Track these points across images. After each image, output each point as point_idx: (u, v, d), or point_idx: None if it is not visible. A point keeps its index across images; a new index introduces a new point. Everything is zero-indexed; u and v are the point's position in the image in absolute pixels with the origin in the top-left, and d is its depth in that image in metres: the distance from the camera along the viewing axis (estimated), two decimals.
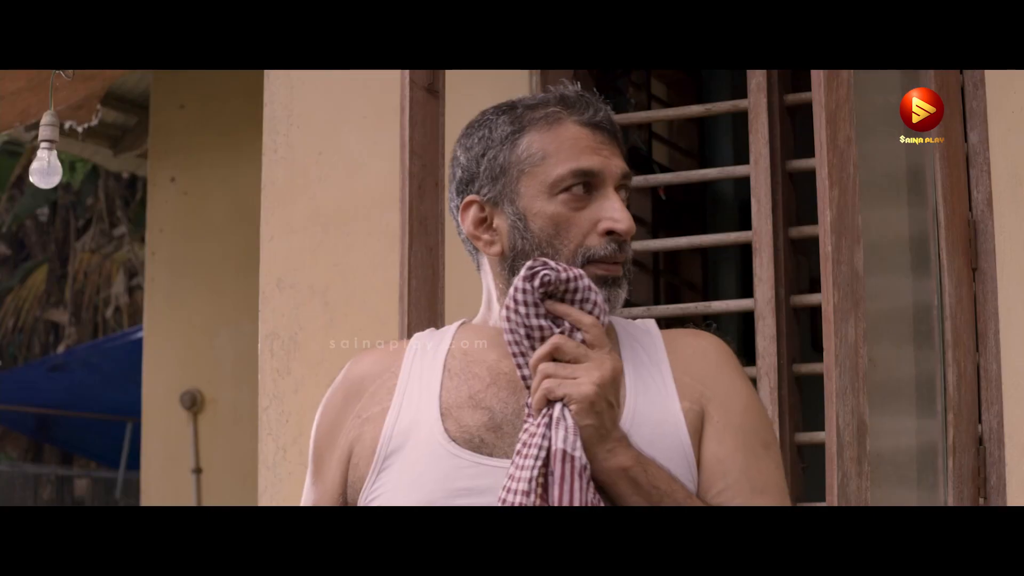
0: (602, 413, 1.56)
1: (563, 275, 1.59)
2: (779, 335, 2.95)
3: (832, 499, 2.39)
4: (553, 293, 1.60)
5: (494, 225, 1.69)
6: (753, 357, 2.96)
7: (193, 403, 5.66)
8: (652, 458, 1.59)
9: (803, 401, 3.04)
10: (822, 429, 2.45)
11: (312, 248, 3.39)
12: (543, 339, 1.59)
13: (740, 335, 4.24)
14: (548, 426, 1.55)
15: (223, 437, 5.61)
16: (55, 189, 6.30)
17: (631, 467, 1.57)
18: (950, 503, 2.67)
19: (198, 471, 5.69)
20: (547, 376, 1.56)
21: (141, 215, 8.95)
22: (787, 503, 1.67)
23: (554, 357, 1.58)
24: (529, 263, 1.60)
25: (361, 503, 1.66)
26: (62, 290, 12.02)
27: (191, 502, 5.67)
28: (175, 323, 5.77)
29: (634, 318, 1.80)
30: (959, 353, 2.73)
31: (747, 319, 3.16)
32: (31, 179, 3.27)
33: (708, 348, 1.72)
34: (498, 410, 1.63)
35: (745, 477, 1.63)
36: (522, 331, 1.59)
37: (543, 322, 1.59)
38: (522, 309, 1.59)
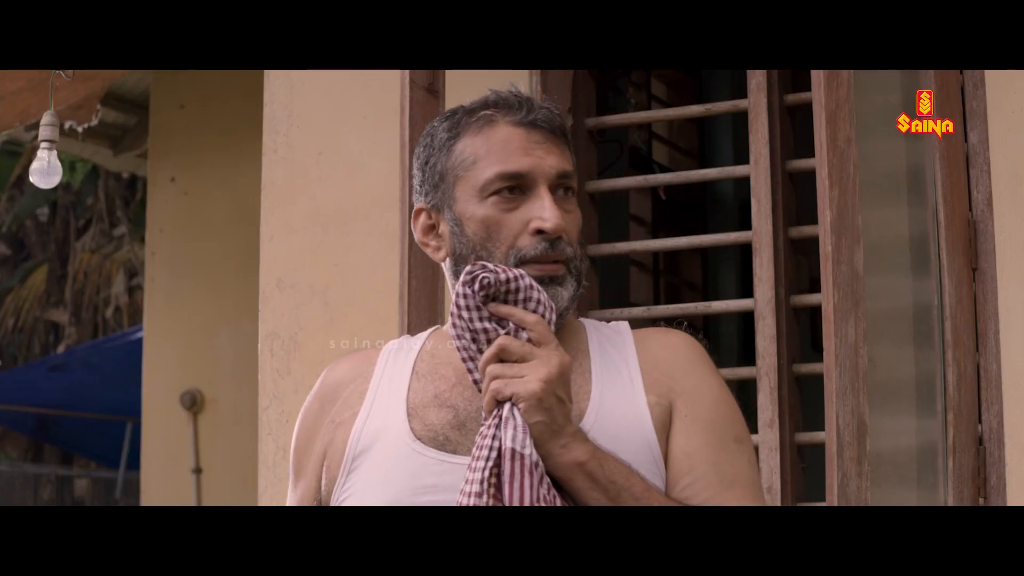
0: (551, 409, 1.56)
1: (502, 276, 1.60)
2: (779, 335, 2.94)
3: (832, 499, 2.39)
4: (495, 295, 1.60)
5: (439, 231, 1.73)
6: (753, 357, 2.96)
7: (193, 403, 5.66)
8: (612, 452, 1.59)
9: (803, 401, 3.04)
10: (822, 429, 2.45)
11: (312, 248, 3.39)
12: (489, 342, 1.60)
13: (740, 335, 4.24)
14: (498, 427, 1.56)
15: (223, 437, 5.61)
16: (55, 189, 6.31)
17: (586, 461, 1.57)
18: (950, 503, 2.67)
19: (198, 471, 5.69)
20: (495, 377, 1.57)
21: (141, 215, 8.95)
22: (759, 497, 1.67)
23: (501, 358, 1.59)
24: (468, 267, 1.62)
25: (332, 504, 1.69)
26: (62, 290, 12.02)
27: (191, 502, 5.67)
28: (175, 323, 5.77)
29: (631, 319, 1.81)
30: (959, 353, 2.73)
31: (747, 319, 3.16)
32: (31, 179, 3.27)
33: (677, 344, 1.73)
34: (462, 408, 1.65)
35: (714, 471, 1.63)
36: (468, 336, 1.61)
37: (487, 325, 1.60)
38: (465, 314, 1.61)
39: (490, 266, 1.61)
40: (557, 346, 1.60)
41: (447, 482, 1.60)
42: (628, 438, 1.63)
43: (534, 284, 1.62)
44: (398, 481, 1.63)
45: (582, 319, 1.79)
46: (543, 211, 1.66)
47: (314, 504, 1.73)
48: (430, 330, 1.81)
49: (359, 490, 1.66)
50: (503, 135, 1.69)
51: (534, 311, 1.61)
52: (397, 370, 1.73)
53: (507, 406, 1.56)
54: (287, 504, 1.79)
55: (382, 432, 1.67)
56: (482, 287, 1.59)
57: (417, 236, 1.76)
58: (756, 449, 2.46)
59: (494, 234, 1.67)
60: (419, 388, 1.69)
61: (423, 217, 1.75)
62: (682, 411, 1.66)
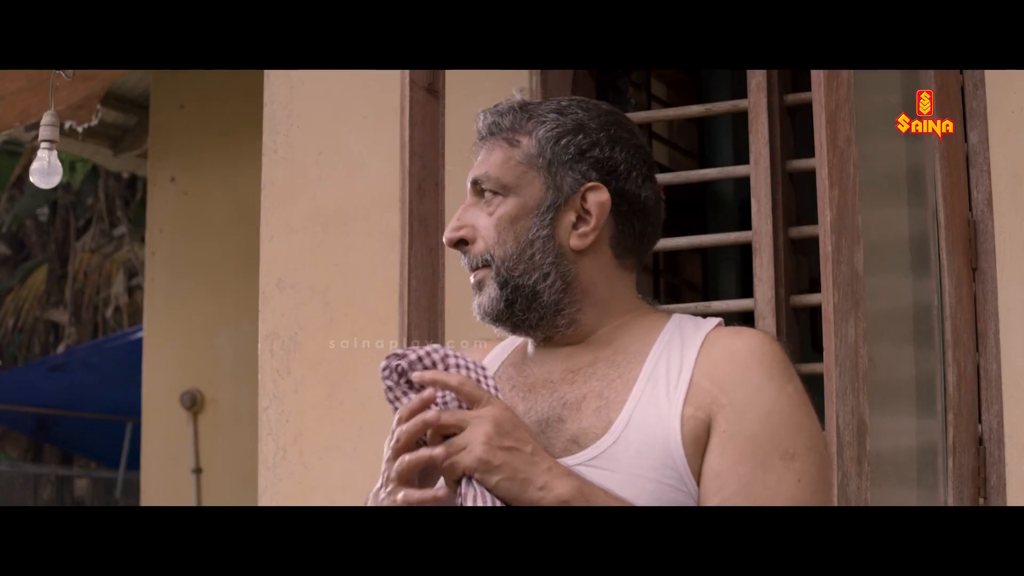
0: (504, 464, 1.52)
1: (412, 356, 1.59)
2: (779, 335, 2.95)
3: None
4: (415, 370, 1.59)
5: None
6: None
7: (193, 403, 5.66)
8: (603, 488, 1.54)
9: None
10: (822, 429, 2.45)
11: (312, 248, 3.39)
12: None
13: None
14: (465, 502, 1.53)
15: (223, 437, 5.61)
16: (55, 189, 6.31)
17: (570, 499, 1.52)
18: (950, 503, 2.67)
19: (198, 471, 5.69)
20: (442, 460, 1.53)
21: (141, 215, 8.95)
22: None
23: (444, 435, 1.55)
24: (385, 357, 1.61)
25: None
26: (62, 290, 12.02)
27: (191, 502, 5.67)
28: (175, 323, 5.77)
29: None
30: (959, 353, 2.73)
31: (747, 319, 3.16)
32: (31, 179, 3.27)
33: (740, 349, 1.63)
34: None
35: (744, 492, 1.54)
36: (406, 414, 1.57)
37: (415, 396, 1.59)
38: (397, 402, 1.60)
39: (401, 351, 1.59)
40: (489, 399, 1.56)
41: None
42: (650, 454, 1.57)
43: (449, 352, 1.60)
44: None
45: (675, 314, 1.72)
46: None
47: None
48: (517, 343, 1.79)
49: None
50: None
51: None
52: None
53: (464, 481, 1.53)
54: None
55: None
56: (396, 373, 1.59)
57: None
58: None
59: None
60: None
61: None
62: (721, 425, 1.57)
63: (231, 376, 5.58)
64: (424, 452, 1.54)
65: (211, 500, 5.64)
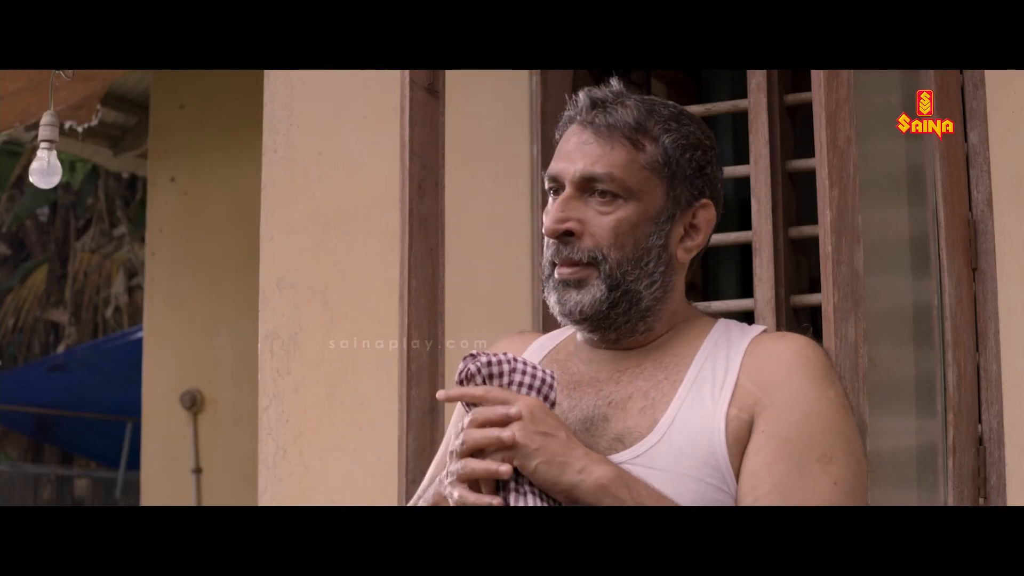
0: (541, 447, 1.53)
1: (482, 359, 1.59)
2: None
3: None
4: (484, 379, 1.59)
5: None
6: None
7: (193, 403, 5.66)
8: (644, 480, 1.55)
9: None
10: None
11: (312, 248, 3.39)
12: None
13: None
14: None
15: (223, 437, 5.61)
16: (55, 189, 6.31)
17: (609, 484, 1.53)
18: (950, 503, 2.67)
19: (198, 471, 5.69)
20: (506, 476, 1.54)
21: (141, 215, 8.95)
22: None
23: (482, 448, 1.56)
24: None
25: None
26: (62, 290, 12.02)
27: (191, 502, 5.67)
28: (175, 323, 5.77)
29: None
30: (959, 353, 2.73)
31: (747, 319, 3.16)
32: (31, 179, 3.27)
33: (784, 352, 1.64)
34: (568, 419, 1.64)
35: (778, 492, 1.55)
36: (480, 422, 1.57)
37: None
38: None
39: (475, 353, 1.60)
40: (517, 399, 1.56)
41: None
42: (693, 453, 1.58)
43: (518, 366, 1.60)
44: None
45: (721, 319, 1.75)
46: (548, 214, 1.67)
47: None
48: (561, 339, 1.79)
49: None
50: (566, 135, 1.70)
51: (518, 389, 1.59)
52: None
53: (506, 485, 1.54)
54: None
55: None
56: (461, 379, 1.59)
57: None
58: None
59: (545, 232, 1.70)
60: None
61: None
62: (761, 426, 1.59)
63: (231, 376, 5.58)
64: (492, 466, 1.54)
65: (211, 500, 5.64)
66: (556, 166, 1.68)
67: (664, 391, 1.64)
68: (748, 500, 1.56)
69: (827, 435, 1.59)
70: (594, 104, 1.69)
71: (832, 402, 1.61)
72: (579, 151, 1.66)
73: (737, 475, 1.58)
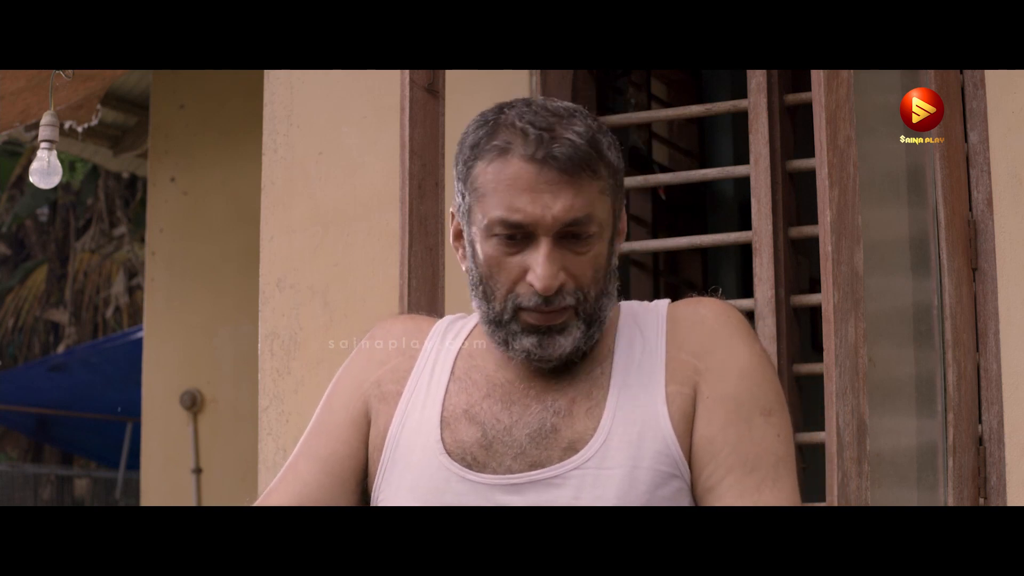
0: None
1: None
2: (779, 335, 2.95)
3: (832, 499, 2.38)
4: None
5: (464, 241, 1.64)
6: None
7: (193, 403, 5.66)
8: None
9: (803, 401, 3.04)
10: (822, 429, 2.45)
11: (312, 248, 3.39)
12: None
13: None
14: None
15: (223, 437, 5.61)
16: (55, 189, 6.32)
17: None
18: (950, 503, 2.67)
19: (198, 471, 5.69)
20: None
21: (141, 215, 8.96)
22: (784, 477, 1.57)
23: None
24: None
25: (372, 495, 1.67)
26: (62, 290, 12.03)
27: (191, 502, 5.67)
28: (175, 323, 5.77)
29: None
30: (959, 353, 2.73)
31: (747, 319, 3.16)
32: (31, 179, 3.28)
33: (707, 316, 1.64)
34: (489, 427, 1.60)
35: (736, 454, 1.56)
36: None
37: None
38: None
39: None
40: None
41: (470, 501, 1.57)
42: (641, 443, 1.56)
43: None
44: (423, 492, 1.60)
45: (623, 301, 1.68)
46: (537, 267, 1.54)
47: (336, 452, 1.67)
48: (476, 320, 1.68)
49: (391, 492, 1.63)
50: (512, 172, 1.54)
51: None
52: (440, 363, 1.67)
53: None
54: (301, 441, 1.72)
55: (416, 436, 1.62)
56: None
57: (450, 238, 1.67)
58: None
59: (495, 274, 1.57)
60: (454, 393, 1.63)
61: (454, 222, 1.65)
62: (705, 392, 1.58)
63: (231, 376, 5.58)
64: None
65: (211, 500, 5.63)
66: (518, 213, 1.53)
67: (594, 395, 1.60)
68: (709, 469, 1.56)
69: (763, 388, 1.61)
70: (543, 135, 1.54)
71: (760, 356, 1.64)
72: (551, 192, 1.53)
73: (687, 453, 1.57)
